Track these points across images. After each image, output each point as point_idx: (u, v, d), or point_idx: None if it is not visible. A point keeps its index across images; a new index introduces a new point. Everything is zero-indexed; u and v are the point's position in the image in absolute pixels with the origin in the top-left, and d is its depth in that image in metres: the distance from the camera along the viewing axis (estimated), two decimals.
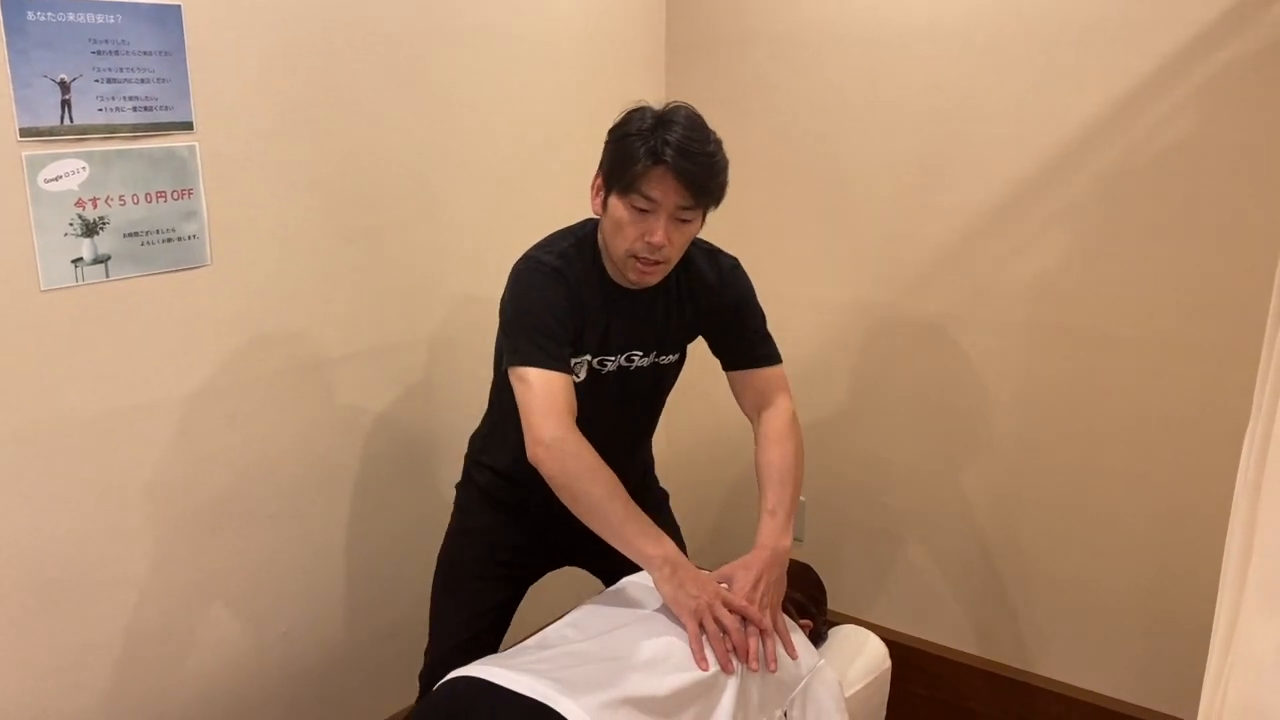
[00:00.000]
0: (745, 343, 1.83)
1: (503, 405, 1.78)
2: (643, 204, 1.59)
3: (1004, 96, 2.22)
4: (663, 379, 1.84)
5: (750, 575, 1.60)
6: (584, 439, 1.58)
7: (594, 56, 2.50)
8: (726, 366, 1.86)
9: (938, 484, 2.49)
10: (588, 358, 1.71)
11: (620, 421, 1.81)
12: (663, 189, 1.58)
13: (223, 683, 1.96)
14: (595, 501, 1.57)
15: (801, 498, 2.70)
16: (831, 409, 2.59)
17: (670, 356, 1.81)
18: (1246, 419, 1.11)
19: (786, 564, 1.68)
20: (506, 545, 1.87)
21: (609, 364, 1.74)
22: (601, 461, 1.57)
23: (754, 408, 1.84)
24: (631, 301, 1.73)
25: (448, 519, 1.92)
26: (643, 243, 1.61)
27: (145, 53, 1.65)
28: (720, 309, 1.80)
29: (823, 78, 2.44)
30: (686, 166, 1.56)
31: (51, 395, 1.63)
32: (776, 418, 1.81)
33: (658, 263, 1.64)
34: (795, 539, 2.73)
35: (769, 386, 1.83)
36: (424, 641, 1.86)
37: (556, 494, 1.58)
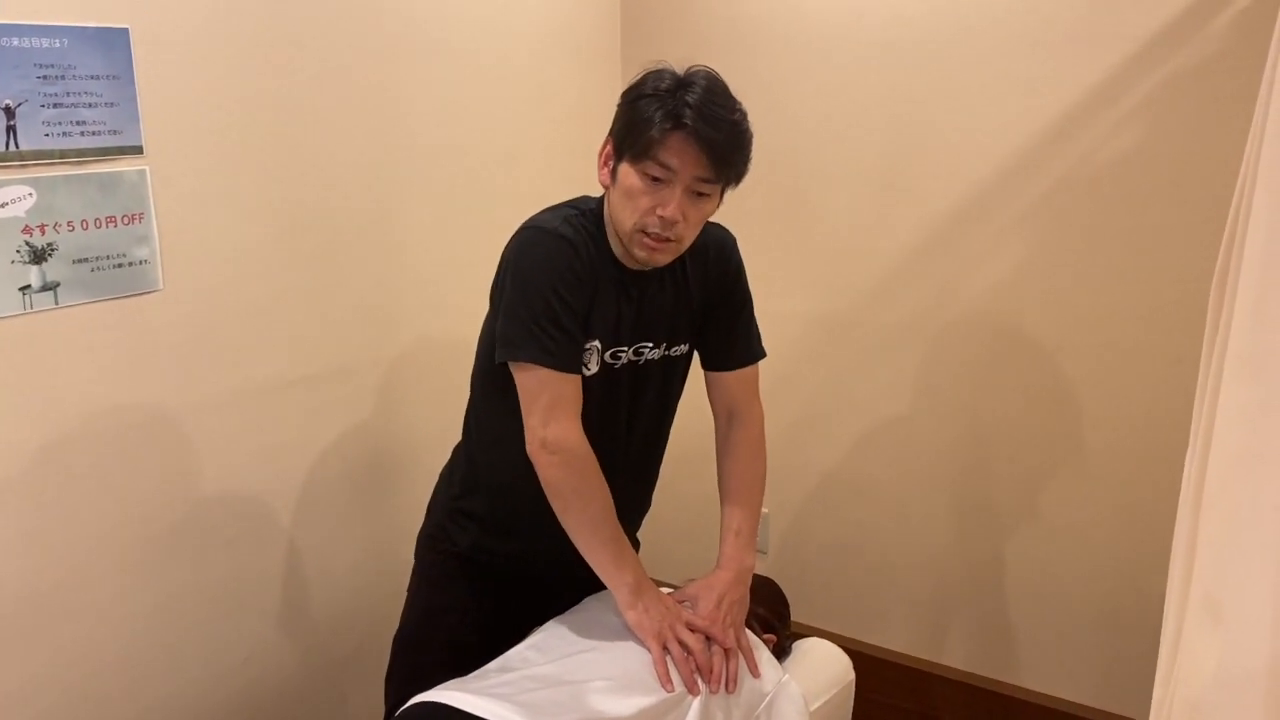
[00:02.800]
0: (735, 336, 1.69)
1: (484, 432, 1.68)
2: (657, 172, 1.44)
3: (959, 109, 2.25)
4: (673, 374, 1.69)
5: (713, 595, 1.60)
6: (586, 441, 1.50)
7: (548, 73, 2.50)
8: (709, 364, 1.72)
9: (898, 494, 2.51)
10: (597, 344, 1.55)
11: (630, 433, 1.67)
12: (681, 157, 1.42)
13: (182, 712, 1.93)
14: (585, 520, 1.52)
15: (764, 509, 2.71)
16: (792, 420, 2.60)
17: (681, 347, 1.67)
18: None
19: (749, 582, 1.67)
20: (482, 622, 1.72)
21: (622, 356, 1.59)
22: (601, 476, 1.52)
23: (725, 410, 1.74)
24: (641, 286, 1.58)
25: (407, 541, 1.86)
26: (654, 216, 1.45)
27: (93, 76, 1.63)
28: (723, 288, 1.67)
29: (779, 90, 2.46)
30: (708, 133, 1.41)
31: (1, 425, 1.61)
32: (748, 430, 1.73)
33: (668, 240, 1.48)
34: (759, 550, 2.74)
35: (746, 389, 1.72)
36: (384, 666, 1.84)
37: (548, 497, 1.51)
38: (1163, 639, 1.04)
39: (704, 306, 1.67)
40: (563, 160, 2.54)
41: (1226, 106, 1.97)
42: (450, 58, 2.23)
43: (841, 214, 2.45)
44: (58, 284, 1.64)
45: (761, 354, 1.74)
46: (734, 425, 1.74)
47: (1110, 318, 2.16)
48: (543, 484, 1.51)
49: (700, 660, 1.50)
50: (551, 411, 1.48)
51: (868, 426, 2.52)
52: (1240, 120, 1.94)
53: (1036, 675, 2.41)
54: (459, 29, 2.24)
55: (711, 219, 1.62)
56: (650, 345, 1.62)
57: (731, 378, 1.72)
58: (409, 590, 1.82)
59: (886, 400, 2.48)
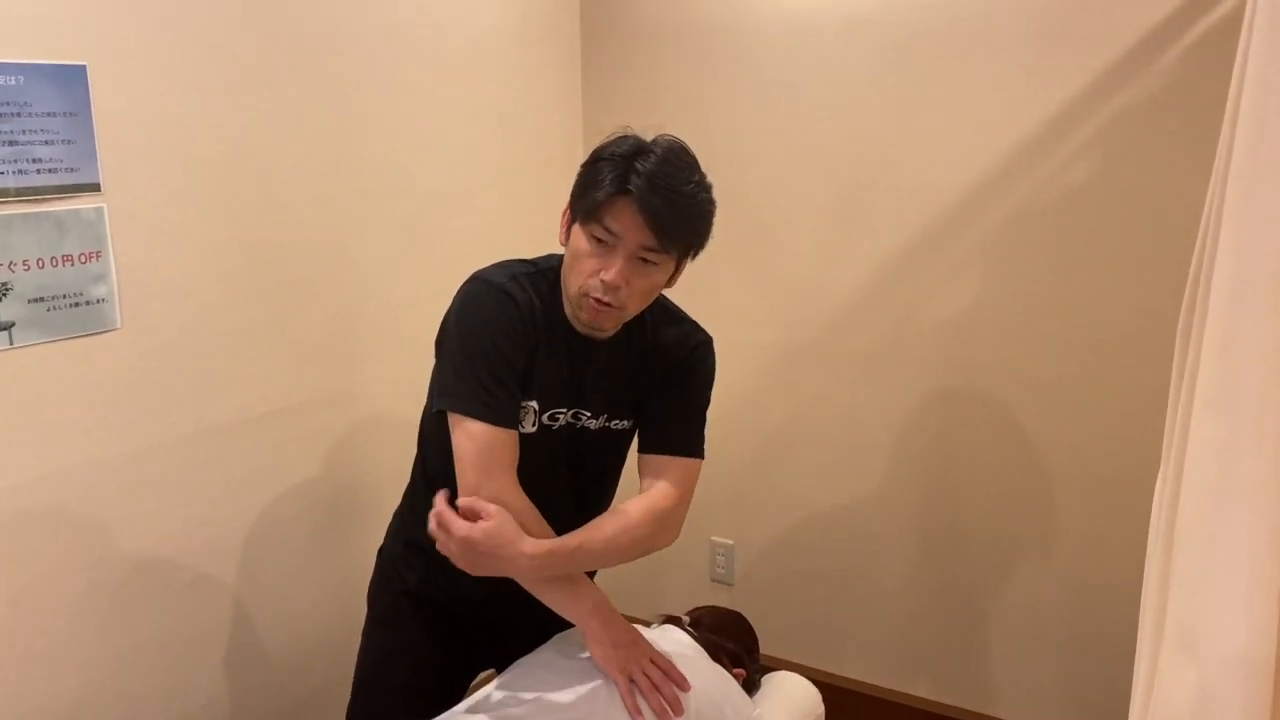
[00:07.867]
0: (675, 424, 1.60)
1: (430, 469, 1.65)
2: (602, 234, 1.42)
3: (915, 143, 2.29)
4: (615, 448, 1.66)
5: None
6: (524, 496, 1.48)
7: (507, 108, 2.51)
8: (644, 445, 1.61)
9: (863, 523, 2.52)
10: (535, 405, 1.53)
11: (568, 492, 1.63)
12: (624, 223, 1.40)
13: None
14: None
15: (730, 540, 2.71)
16: (755, 450, 2.61)
17: (622, 423, 1.62)
18: (1159, 452, 1.14)
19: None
20: (438, 662, 1.70)
21: (560, 418, 1.56)
22: (542, 521, 1.49)
23: (649, 484, 1.58)
24: (589, 354, 1.55)
25: (368, 580, 1.82)
26: (596, 279, 1.43)
27: (49, 114, 1.61)
28: (672, 377, 1.61)
29: (739, 128, 2.49)
30: (653, 202, 1.38)
31: None
32: (656, 500, 1.54)
33: (611, 305, 1.45)
34: (725, 583, 2.74)
35: (679, 475, 1.57)
36: (345, 708, 1.80)
37: None
38: (1136, 670, 1.05)
39: (658, 390, 1.61)
40: (520, 194, 2.55)
41: (1177, 138, 2.03)
42: (408, 93, 2.23)
43: (803, 247, 2.47)
44: (13, 324, 1.60)
45: (700, 455, 1.61)
46: (647, 492, 1.57)
47: (1067, 347, 2.20)
48: None
49: (666, 692, 1.49)
50: (487, 469, 1.45)
51: (832, 456, 2.53)
52: (1190, 152, 2.00)
53: (1004, 703, 2.42)
54: (416, 63, 2.24)
55: (697, 322, 1.62)
56: (589, 415, 1.59)
57: (672, 464, 1.58)
58: (363, 635, 1.79)
59: (850, 429, 2.49)
